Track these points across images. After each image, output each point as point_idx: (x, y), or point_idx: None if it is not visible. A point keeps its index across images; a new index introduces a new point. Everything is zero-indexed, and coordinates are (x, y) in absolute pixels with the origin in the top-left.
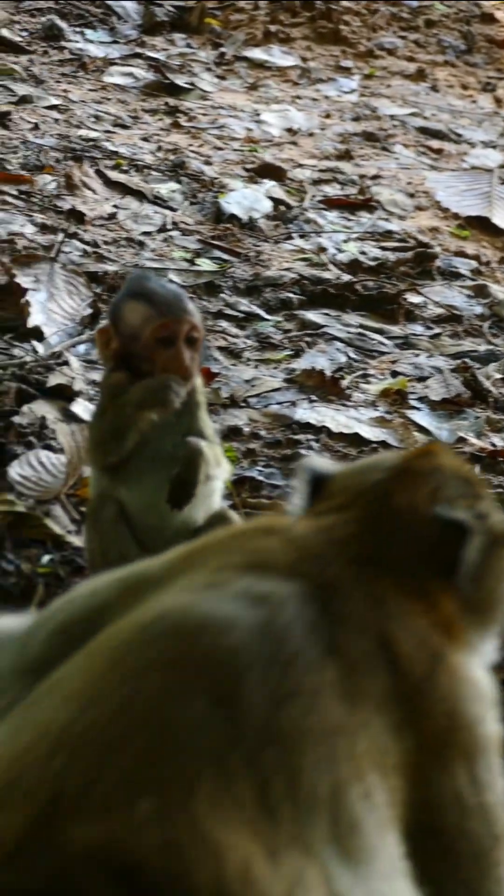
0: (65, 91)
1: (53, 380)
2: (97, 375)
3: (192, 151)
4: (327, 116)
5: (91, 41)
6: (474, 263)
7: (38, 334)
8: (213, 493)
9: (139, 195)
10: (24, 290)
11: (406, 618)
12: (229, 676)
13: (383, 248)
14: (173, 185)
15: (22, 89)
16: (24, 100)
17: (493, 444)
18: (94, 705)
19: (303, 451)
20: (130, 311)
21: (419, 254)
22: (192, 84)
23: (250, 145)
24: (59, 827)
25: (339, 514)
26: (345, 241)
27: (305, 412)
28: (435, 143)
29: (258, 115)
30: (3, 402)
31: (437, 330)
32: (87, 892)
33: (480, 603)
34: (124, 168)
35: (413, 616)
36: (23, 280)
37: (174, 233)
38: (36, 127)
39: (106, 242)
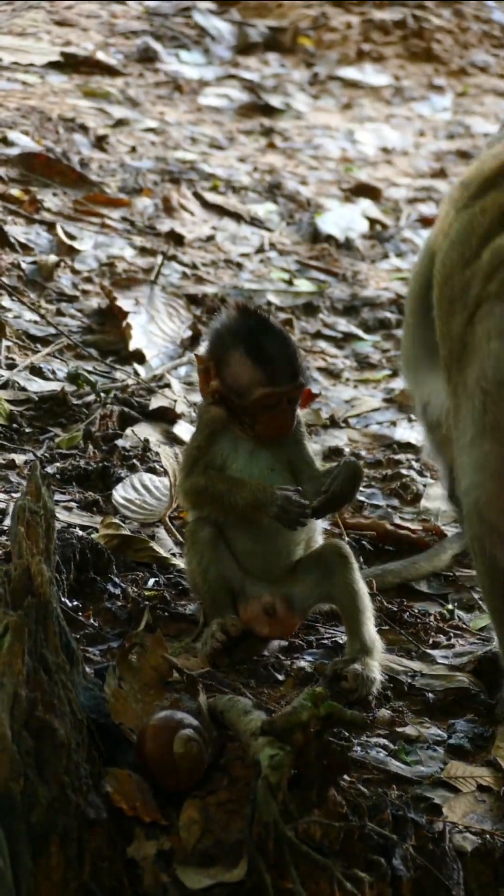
0: (161, 113)
1: (155, 402)
2: (198, 397)
3: (288, 172)
4: (421, 135)
5: (186, 63)
6: None
7: (139, 357)
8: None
9: (236, 216)
10: (125, 314)
11: None
12: None
13: None
14: (270, 206)
15: (119, 112)
16: (121, 122)
17: None
18: None
19: (403, 471)
20: (239, 366)
21: None
22: (286, 104)
23: (346, 165)
24: None
25: None
26: None
27: (405, 431)
28: None
29: (352, 134)
30: (106, 426)
31: None
32: None
33: None
34: (221, 190)
35: None
36: (123, 303)
37: (272, 253)
38: (133, 150)
39: (204, 264)
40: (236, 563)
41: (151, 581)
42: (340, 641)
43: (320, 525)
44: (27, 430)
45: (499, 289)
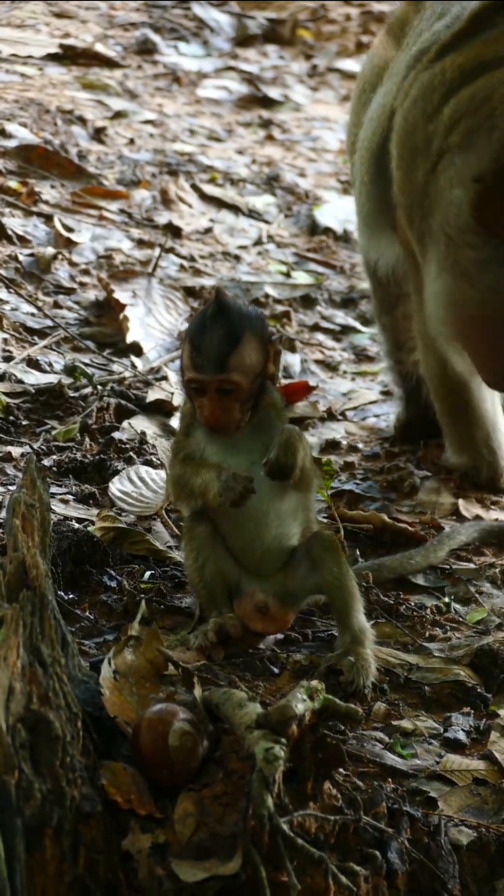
0: (159, 105)
1: (153, 395)
2: None
3: (287, 164)
4: None
5: (184, 54)
6: None
7: (136, 350)
8: (305, 510)
9: (234, 209)
10: (123, 306)
11: None
12: None
13: None
14: (268, 198)
15: (117, 104)
16: (119, 114)
17: None
18: None
19: (400, 464)
20: (183, 349)
21: None
22: (285, 96)
23: (344, 157)
24: None
25: None
26: None
27: None
28: None
29: None
30: (103, 418)
31: None
32: None
33: None
34: (219, 182)
35: None
36: (121, 295)
37: (269, 246)
38: (131, 142)
39: (202, 256)
40: (233, 559)
41: (147, 574)
42: (336, 634)
43: (314, 517)
44: (24, 422)
45: (459, 140)
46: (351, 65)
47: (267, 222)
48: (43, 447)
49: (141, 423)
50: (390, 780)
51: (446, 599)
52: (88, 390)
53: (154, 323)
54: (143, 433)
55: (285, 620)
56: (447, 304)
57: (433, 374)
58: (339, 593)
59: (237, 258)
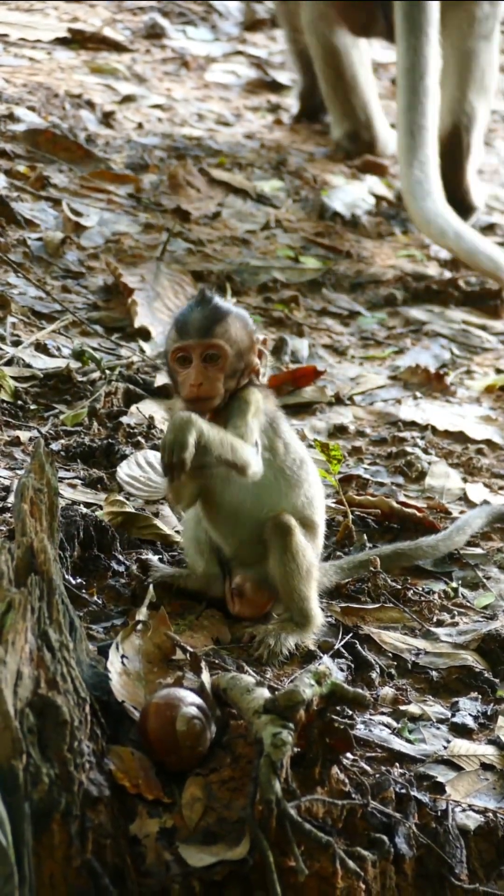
0: (168, 90)
1: (160, 379)
2: None
3: (295, 148)
4: None
5: (193, 39)
6: None
7: (144, 334)
8: (285, 497)
9: (242, 193)
10: (131, 290)
11: None
12: None
13: None
14: (276, 183)
15: (125, 88)
16: (127, 99)
17: None
18: None
19: (408, 449)
20: (167, 336)
21: None
22: (293, 80)
23: None
24: None
25: None
26: None
27: (410, 409)
28: None
29: None
30: (111, 403)
31: None
32: None
33: None
34: (227, 166)
35: None
36: (129, 280)
37: (277, 230)
38: (140, 126)
39: (210, 241)
40: (209, 543)
41: (155, 558)
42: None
43: (304, 503)
44: (32, 406)
45: None
46: None
47: (275, 207)
48: (51, 431)
49: (149, 408)
50: (398, 764)
51: (454, 584)
52: (96, 375)
53: (162, 307)
54: (151, 418)
55: (261, 605)
56: None
57: (317, 54)
58: (282, 577)
59: (245, 242)
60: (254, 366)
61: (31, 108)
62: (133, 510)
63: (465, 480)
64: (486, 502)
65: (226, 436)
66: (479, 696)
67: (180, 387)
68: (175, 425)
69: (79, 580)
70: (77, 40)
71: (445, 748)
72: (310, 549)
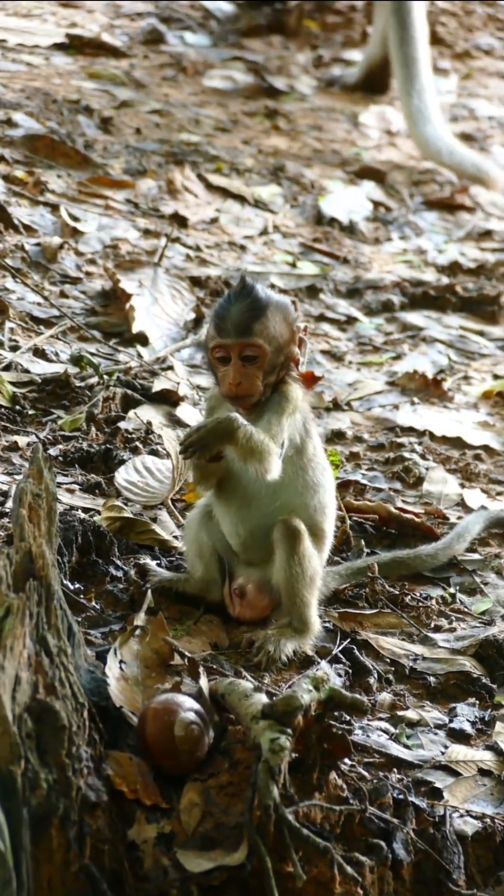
0: (165, 95)
1: (159, 385)
2: (202, 380)
3: (292, 154)
4: None
5: (190, 44)
6: None
7: (142, 339)
8: (294, 502)
9: (240, 199)
10: (129, 296)
11: None
12: None
13: (482, 250)
14: (274, 189)
15: (123, 93)
16: (125, 104)
17: None
18: None
19: (406, 455)
20: (207, 327)
21: None
22: (290, 87)
23: (350, 147)
24: None
25: None
26: (445, 243)
27: (408, 415)
28: None
29: (357, 116)
30: (109, 408)
31: None
32: None
33: None
34: (225, 172)
35: None
36: (127, 285)
37: (275, 236)
38: (138, 131)
39: (208, 246)
40: (211, 546)
41: (154, 563)
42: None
43: (316, 507)
44: (30, 412)
45: None
46: (356, 55)
47: (272, 212)
48: (49, 437)
49: (147, 413)
50: (396, 770)
51: (452, 590)
52: (94, 380)
53: (160, 312)
54: (149, 423)
55: (262, 608)
56: None
57: None
58: (285, 581)
59: (243, 248)
60: (294, 356)
61: (30, 114)
62: (131, 515)
63: (462, 486)
64: (483, 507)
65: (256, 445)
66: (477, 702)
67: (220, 381)
68: (215, 426)
69: (77, 585)
70: (75, 45)
71: (443, 754)
72: (316, 558)
